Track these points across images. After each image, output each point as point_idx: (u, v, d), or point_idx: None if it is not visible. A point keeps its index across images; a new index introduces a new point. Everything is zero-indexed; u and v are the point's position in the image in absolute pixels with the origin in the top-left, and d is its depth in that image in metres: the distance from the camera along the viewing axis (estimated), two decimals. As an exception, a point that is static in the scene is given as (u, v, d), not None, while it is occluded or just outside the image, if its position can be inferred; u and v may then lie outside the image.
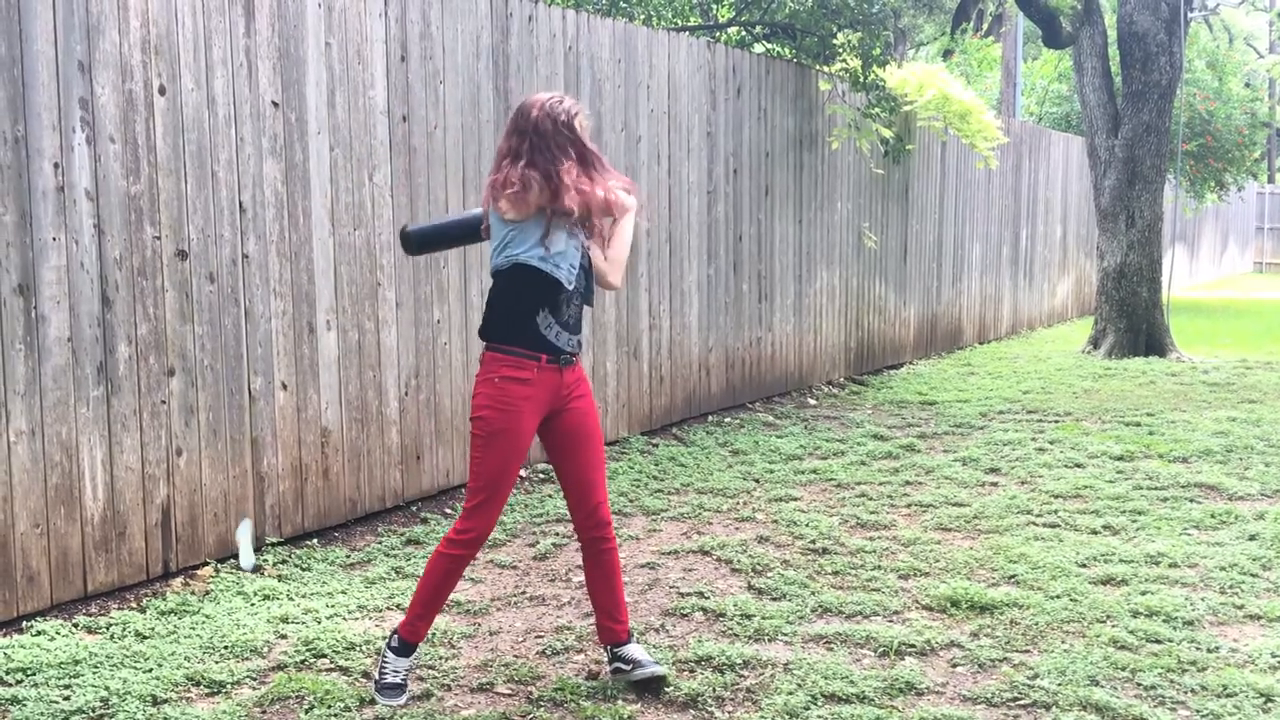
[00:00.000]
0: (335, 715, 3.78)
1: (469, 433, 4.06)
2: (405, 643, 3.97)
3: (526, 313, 3.82)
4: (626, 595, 4.97)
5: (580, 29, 7.35)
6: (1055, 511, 6.24)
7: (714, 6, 11.66)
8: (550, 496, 6.54)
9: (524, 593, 5.05)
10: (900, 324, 12.10)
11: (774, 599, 4.93)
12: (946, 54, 22.94)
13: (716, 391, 9.01)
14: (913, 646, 4.36)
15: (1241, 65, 22.01)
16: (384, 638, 4.44)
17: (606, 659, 4.11)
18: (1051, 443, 8.06)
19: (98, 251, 4.72)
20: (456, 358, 6.52)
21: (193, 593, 4.92)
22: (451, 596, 4.89)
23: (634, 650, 4.04)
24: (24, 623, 4.51)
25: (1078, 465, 7.38)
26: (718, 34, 10.80)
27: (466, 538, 3.88)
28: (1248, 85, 21.58)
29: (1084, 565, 5.32)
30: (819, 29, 10.02)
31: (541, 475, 6.98)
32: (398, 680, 3.93)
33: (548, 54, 7.07)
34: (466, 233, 4.15)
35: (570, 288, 3.84)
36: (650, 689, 3.98)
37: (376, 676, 3.98)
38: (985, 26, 24.85)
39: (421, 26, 6.19)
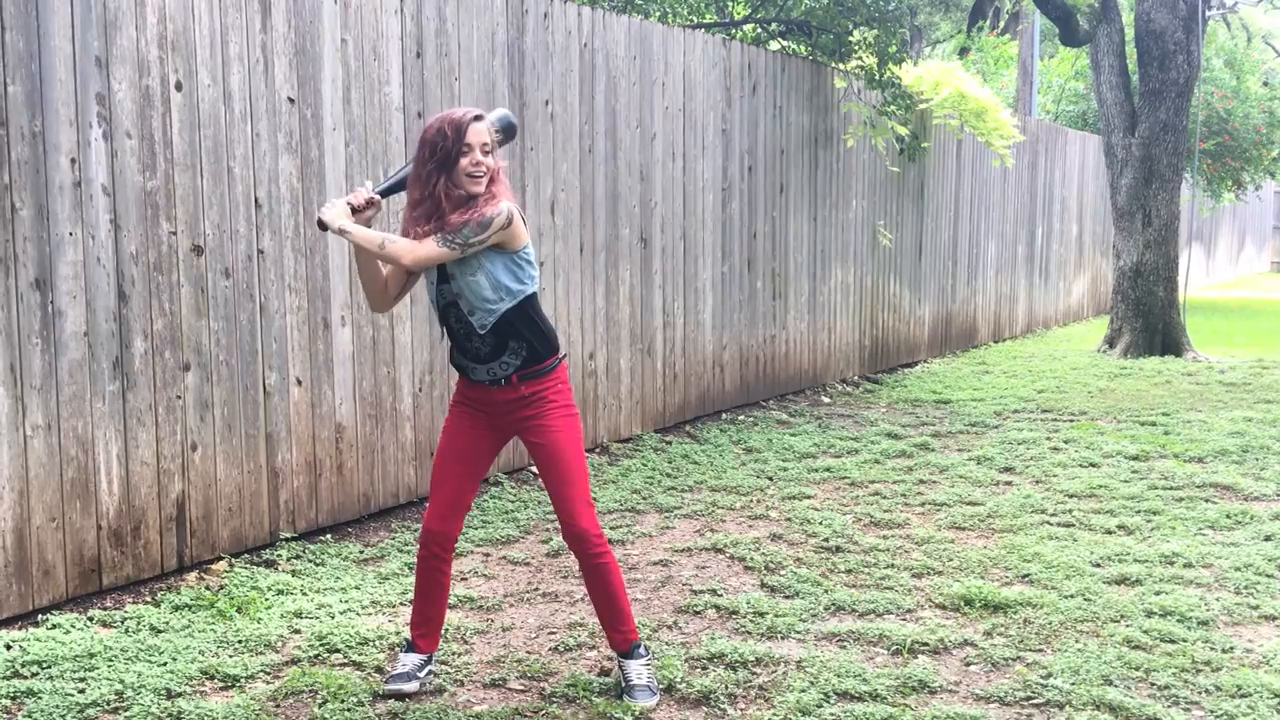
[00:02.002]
0: (348, 710, 3.79)
1: None
2: (412, 649, 4.04)
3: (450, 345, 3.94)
4: (640, 592, 4.98)
5: (595, 26, 7.35)
6: (1070, 511, 6.22)
7: (729, 4, 11.65)
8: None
9: (537, 589, 5.06)
10: (915, 322, 12.08)
11: (787, 597, 4.93)
12: (963, 52, 22.88)
13: (730, 389, 9.00)
14: (926, 645, 4.35)
15: (1260, 64, 21.88)
16: (397, 633, 4.46)
17: (616, 661, 4.11)
18: (1066, 442, 8.04)
19: (114, 246, 4.74)
20: (470, 354, 6.53)
21: (207, 587, 4.94)
22: (465, 592, 4.91)
23: (633, 670, 3.95)
24: (39, 616, 4.53)
25: (1092, 465, 7.36)
26: (733, 31, 10.79)
27: (420, 537, 3.98)
28: (1266, 84, 21.45)
29: (1098, 565, 5.30)
30: (835, 26, 10.00)
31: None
32: (403, 670, 3.96)
33: (563, 51, 7.07)
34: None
35: (451, 330, 3.85)
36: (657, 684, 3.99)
37: (389, 669, 4.04)
38: (1002, 24, 24.77)
39: (437, 23, 6.19)
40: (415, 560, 4.01)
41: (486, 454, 3.98)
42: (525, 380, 3.84)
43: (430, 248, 3.69)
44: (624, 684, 3.95)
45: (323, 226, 3.73)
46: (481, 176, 3.73)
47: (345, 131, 5.71)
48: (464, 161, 3.70)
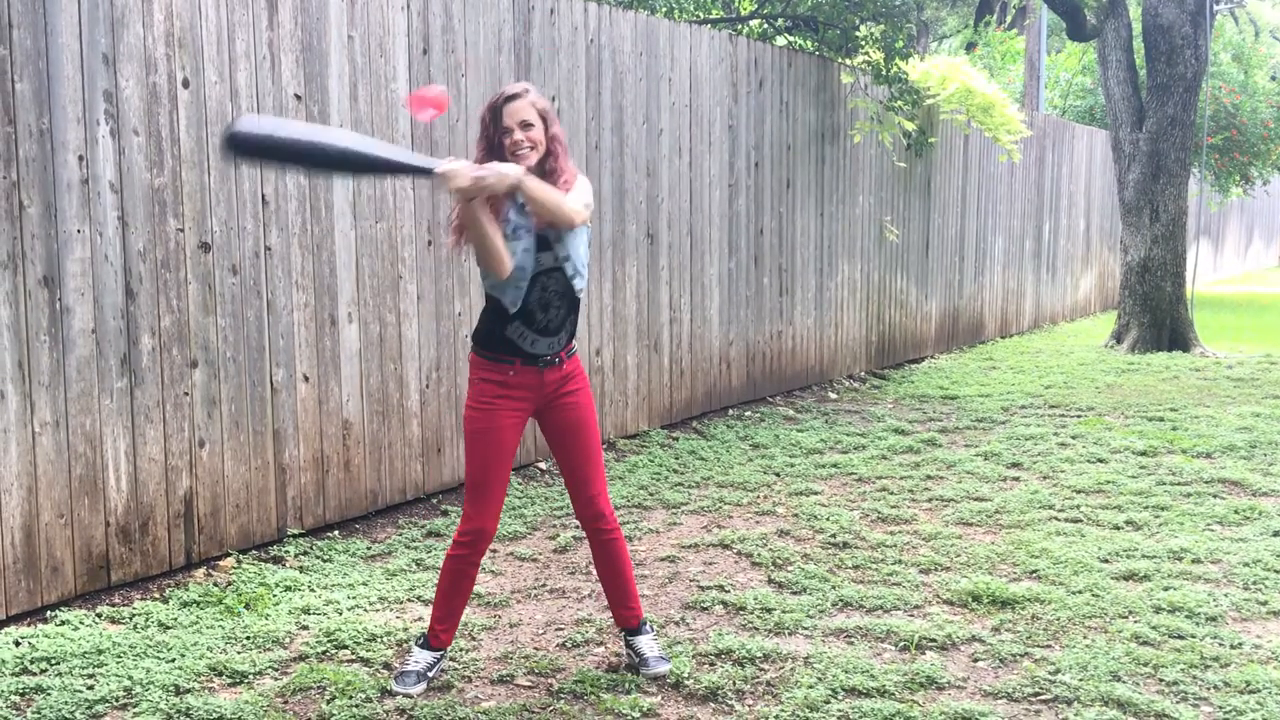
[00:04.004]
0: (356, 706, 3.79)
1: None
2: (427, 640, 4.02)
3: (500, 324, 3.87)
4: (647, 588, 4.98)
5: (602, 22, 7.34)
6: (1077, 506, 6.21)
7: (736, -1, 11.65)
8: (571, 489, 6.55)
9: (544, 585, 5.06)
10: (922, 318, 12.06)
11: (794, 593, 4.93)
12: (970, 47, 22.85)
13: (737, 385, 9.00)
14: (933, 641, 4.35)
15: (1268, 59, 21.80)
16: (405, 629, 4.46)
17: (623, 641, 4.18)
18: (1074, 438, 8.03)
19: (121, 244, 4.75)
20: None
21: (215, 584, 4.95)
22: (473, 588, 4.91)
23: (643, 643, 4.11)
24: (48, 612, 4.55)
25: (1100, 460, 7.35)
26: (740, 27, 10.77)
27: (466, 538, 3.93)
28: (1274, 79, 21.38)
29: (1106, 560, 5.30)
30: (841, 22, 9.99)
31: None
32: (415, 669, 3.96)
33: (569, 47, 7.07)
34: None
35: (516, 310, 3.81)
36: (665, 680, 4.00)
37: (398, 665, 4.03)
38: (1009, 19, 24.72)
39: (444, 19, 6.19)
40: (453, 558, 3.93)
41: (517, 447, 4.04)
42: (568, 357, 3.98)
43: (578, 206, 3.80)
44: (637, 659, 4.07)
45: (494, 189, 3.54)
46: (525, 152, 3.79)
47: (352, 128, 5.71)
48: (506, 142, 3.79)
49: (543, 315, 3.86)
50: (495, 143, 3.81)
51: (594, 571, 5.16)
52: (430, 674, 3.99)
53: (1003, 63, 23.75)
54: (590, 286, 7.33)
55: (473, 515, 3.91)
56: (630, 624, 4.13)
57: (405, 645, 4.30)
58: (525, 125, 3.79)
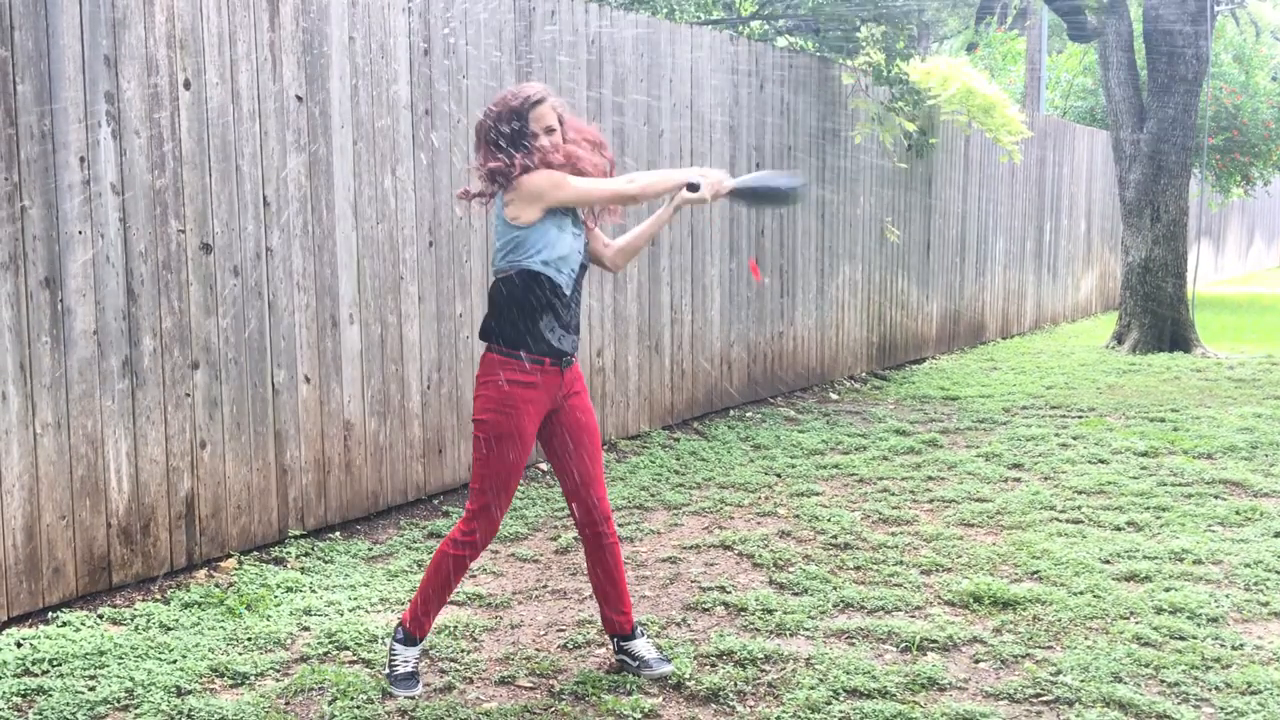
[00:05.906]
0: (358, 707, 3.79)
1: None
2: (410, 635, 4.01)
3: (532, 317, 3.81)
4: (648, 589, 4.99)
5: (603, 23, 7.34)
6: (1079, 507, 6.21)
7: (737, 1, 11.64)
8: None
9: (545, 586, 5.06)
10: (923, 318, 12.06)
11: (796, 594, 4.93)
12: (970, 48, 22.84)
13: (738, 386, 9.00)
14: (935, 642, 4.35)
15: (1269, 59, 21.79)
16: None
17: (611, 648, 4.17)
18: (1075, 438, 8.02)
19: (123, 245, 4.75)
20: (479, 352, 6.53)
21: (216, 585, 4.95)
22: (473, 589, 4.92)
23: (641, 647, 4.10)
24: (50, 614, 4.55)
25: (1101, 461, 7.35)
26: (740, 28, 10.77)
27: (471, 539, 3.90)
28: (1275, 79, 21.37)
29: (1107, 561, 5.30)
30: (842, 23, 9.99)
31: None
32: (409, 669, 3.96)
33: (570, 48, 7.07)
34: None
35: (569, 293, 3.87)
36: (667, 681, 4.00)
37: (388, 669, 4.02)
38: (1009, 20, 24.72)
39: (445, 20, 6.19)
40: (454, 556, 3.89)
41: None
42: (575, 359, 4.02)
43: None
44: (636, 662, 4.06)
45: (693, 188, 3.96)
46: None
47: (353, 129, 5.72)
48: (532, 146, 3.83)
49: (568, 313, 3.89)
50: (513, 143, 3.79)
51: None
52: (420, 669, 4.00)
53: (1003, 63, 23.74)
54: (591, 287, 7.33)
55: (483, 518, 3.87)
56: (625, 629, 4.10)
57: (399, 643, 4.29)
58: (549, 130, 3.83)
